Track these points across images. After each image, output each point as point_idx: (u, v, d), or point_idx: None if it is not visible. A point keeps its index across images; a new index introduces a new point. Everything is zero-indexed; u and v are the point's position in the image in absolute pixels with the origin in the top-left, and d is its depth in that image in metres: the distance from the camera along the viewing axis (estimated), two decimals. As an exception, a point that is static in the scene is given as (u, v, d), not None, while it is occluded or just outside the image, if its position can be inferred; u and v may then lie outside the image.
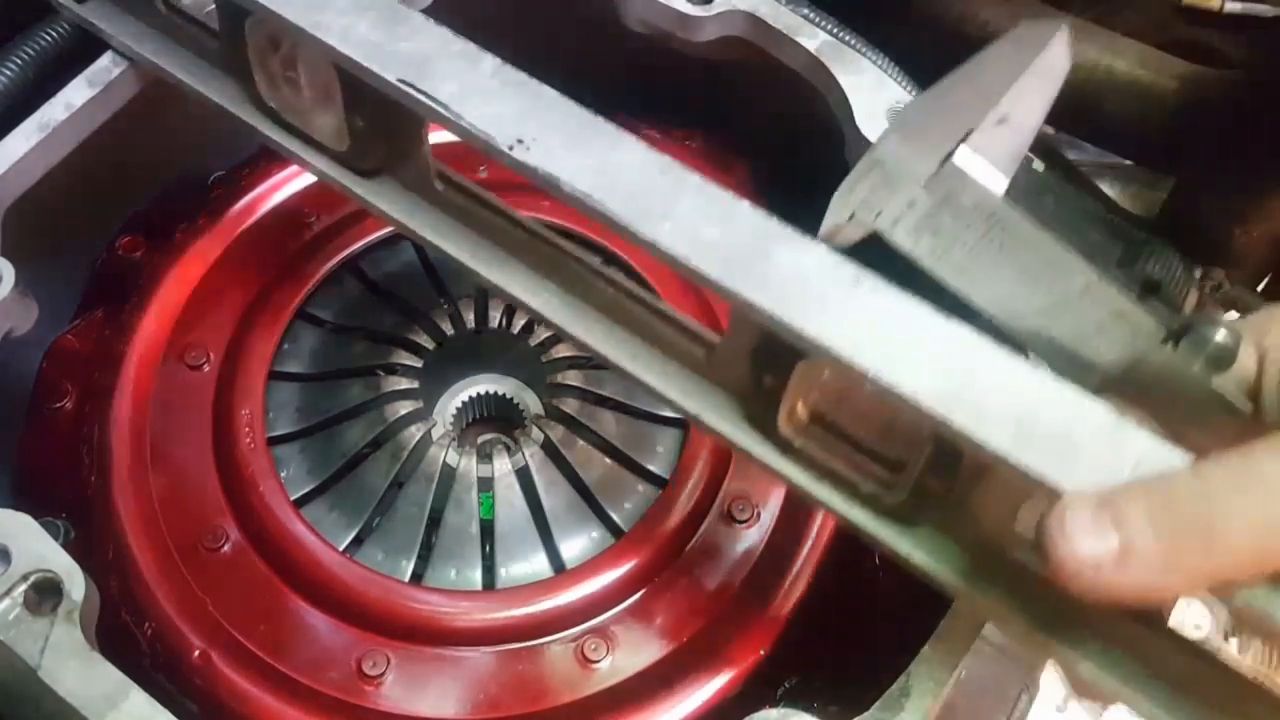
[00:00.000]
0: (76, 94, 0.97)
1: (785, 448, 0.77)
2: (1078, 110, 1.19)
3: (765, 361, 0.75)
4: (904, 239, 0.73)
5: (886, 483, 0.75)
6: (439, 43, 0.77)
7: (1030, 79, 0.80)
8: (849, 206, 0.74)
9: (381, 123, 0.81)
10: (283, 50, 0.84)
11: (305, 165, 0.89)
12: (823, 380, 0.75)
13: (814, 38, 1.03)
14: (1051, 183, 1.13)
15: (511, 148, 0.73)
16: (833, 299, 0.69)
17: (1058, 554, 0.56)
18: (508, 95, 0.76)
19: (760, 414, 0.78)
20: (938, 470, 0.73)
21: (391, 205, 0.86)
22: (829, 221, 0.75)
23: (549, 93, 0.78)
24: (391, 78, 0.75)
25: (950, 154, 0.73)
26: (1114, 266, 1.10)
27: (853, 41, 1.06)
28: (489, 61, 0.77)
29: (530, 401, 1.20)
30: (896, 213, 0.73)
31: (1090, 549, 0.56)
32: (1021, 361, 0.67)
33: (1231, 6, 1.23)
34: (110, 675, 0.72)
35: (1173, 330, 0.64)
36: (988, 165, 0.74)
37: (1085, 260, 0.69)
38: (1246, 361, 0.64)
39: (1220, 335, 0.62)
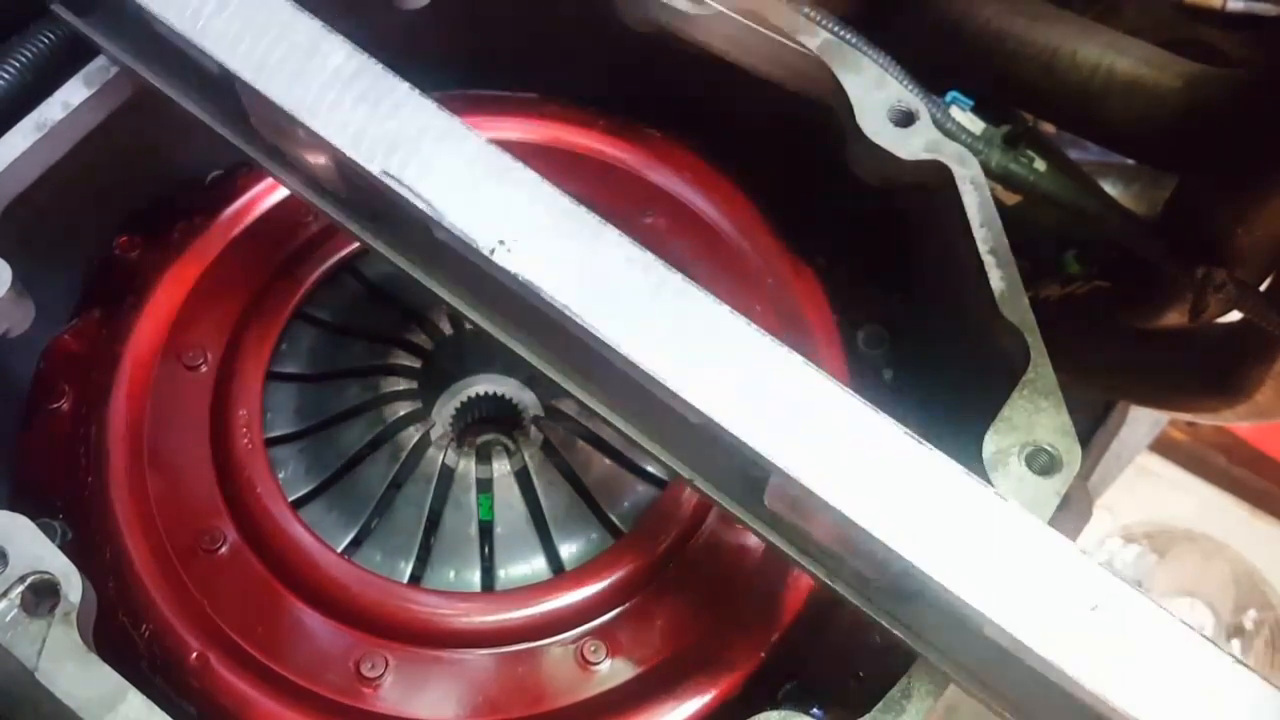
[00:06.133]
0: (74, 93, 0.97)
1: (773, 521, 0.79)
2: (1080, 109, 1.19)
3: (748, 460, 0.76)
4: None
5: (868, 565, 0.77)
6: (423, 120, 0.76)
7: None
8: None
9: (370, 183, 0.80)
10: None
11: (310, 205, 0.88)
12: None
13: (814, 36, 1.03)
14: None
15: (493, 251, 0.73)
16: (810, 426, 0.71)
17: None
18: (491, 186, 0.76)
19: (748, 487, 0.80)
20: (905, 577, 0.75)
21: (391, 249, 0.86)
22: None
23: (530, 178, 0.78)
24: (375, 170, 0.74)
25: None
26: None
27: (853, 40, 1.05)
28: (473, 142, 0.76)
29: (529, 402, 1.19)
30: None
31: None
32: (991, 493, 0.70)
33: (1234, 5, 1.22)
34: (108, 677, 0.72)
35: None
36: None
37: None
38: None
39: None
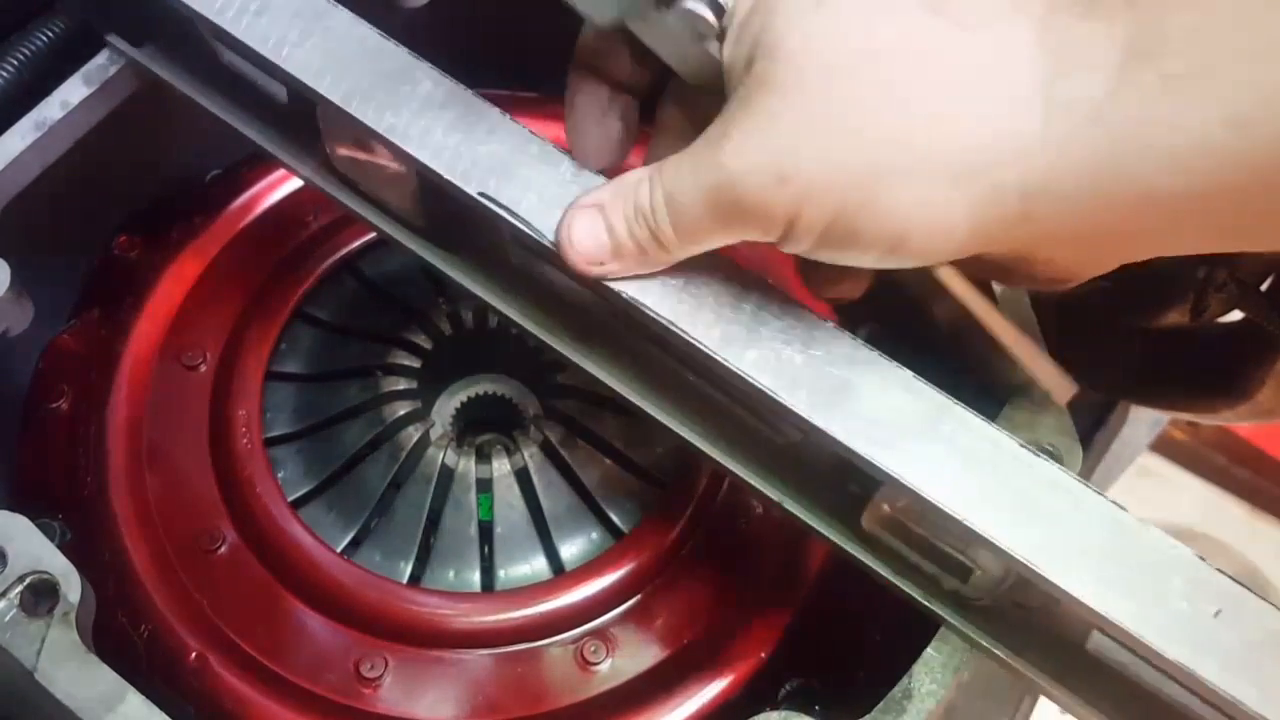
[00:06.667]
0: (73, 92, 0.97)
1: (868, 541, 0.78)
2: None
3: (850, 474, 0.75)
4: None
5: (970, 584, 0.77)
6: (517, 143, 0.77)
7: None
8: None
9: (457, 210, 0.80)
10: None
11: (386, 237, 0.88)
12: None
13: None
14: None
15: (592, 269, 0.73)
16: (919, 436, 0.70)
17: (569, 258, 0.70)
18: None
19: (843, 507, 0.79)
20: (1017, 589, 0.74)
21: (470, 278, 0.86)
22: None
23: None
24: (473, 191, 0.75)
25: None
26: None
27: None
28: (566, 165, 0.76)
29: (530, 402, 1.19)
30: None
31: (591, 251, 0.70)
32: (1106, 502, 0.68)
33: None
34: (107, 678, 0.72)
35: None
36: None
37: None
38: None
39: (700, 9, 0.65)
